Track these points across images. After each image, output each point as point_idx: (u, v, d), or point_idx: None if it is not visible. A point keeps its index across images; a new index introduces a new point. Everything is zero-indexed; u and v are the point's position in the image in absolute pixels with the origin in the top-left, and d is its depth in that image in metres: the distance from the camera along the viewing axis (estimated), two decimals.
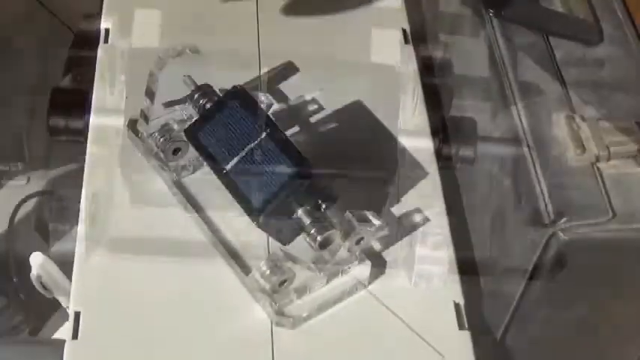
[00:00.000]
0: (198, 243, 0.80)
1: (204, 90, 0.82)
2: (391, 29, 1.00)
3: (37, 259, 0.89)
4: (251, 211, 0.75)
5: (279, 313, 0.75)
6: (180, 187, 0.84)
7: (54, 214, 1.09)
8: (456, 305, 0.78)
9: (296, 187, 0.74)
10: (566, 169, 0.79)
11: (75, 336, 0.74)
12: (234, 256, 0.79)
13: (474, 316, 0.79)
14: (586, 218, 0.75)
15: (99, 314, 0.75)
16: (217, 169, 0.78)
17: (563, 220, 0.75)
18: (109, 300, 0.76)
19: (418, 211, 0.84)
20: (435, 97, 1.01)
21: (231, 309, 0.77)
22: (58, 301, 0.92)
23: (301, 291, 0.77)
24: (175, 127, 0.83)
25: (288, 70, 0.95)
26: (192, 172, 0.85)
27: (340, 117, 0.91)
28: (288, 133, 0.81)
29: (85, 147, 0.88)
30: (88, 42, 1.00)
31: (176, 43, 0.82)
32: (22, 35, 1.18)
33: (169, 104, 0.84)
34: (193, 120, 0.81)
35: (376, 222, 0.76)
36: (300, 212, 0.74)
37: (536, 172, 0.79)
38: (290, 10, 1.01)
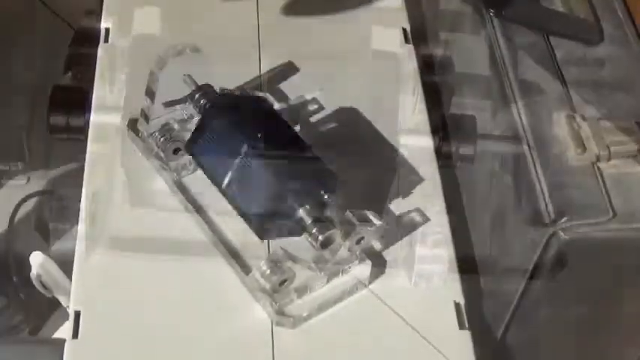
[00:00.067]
0: (199, 242, 0.80)
1: (205, 89, 0.82)
2: (391, 28, 1.00)
3: (37, 259, 0.89)
4: (253, 227, 0.76)
5: (280, 312, 0.75)
6: (181, 187, 0.84)
7: (54, 214, 1.09)
8: (457, 305, 0.78)
9: (285, 193, 0.74)
10: (566, 168, 0.79)
11: (75, 335, 0.74)
12: (234, 255, 0.79)
13: (474, 316, 0.79)
14: (586, 218, 0.75)
15: (99, 314, 0.75)
16: (217, 186, 0.79)
17: (564, 219, 0.75)
18: (109, 299, 0.76)
19: (418, 210, 0.84)
20: (435, 96, 1.01)
21: (231, 308, 0.77)
22: (57, 300, 0.92)
23: (301, 290, 0.77)
24: (176, 126, 0.83)
25: (288, 69, 0.95)
26: (193, 172, 0.85)
27: (340, 116, 0.91)
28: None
29: (85, 146, 0.88)
30: (88, 39, 1.00)
31: (176, 42, 0.82)
32: (22, 33, 1.18)
33: (170, 104, 0.84)
34: (191, 134, 0.82)
35: (376, 221, 0.76)
36: (301, 212, 0.74)
37: (536, 171, 0.79)
38: (290, 9, 1.01)
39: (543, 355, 0.89)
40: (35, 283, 0.90)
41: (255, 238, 0.77)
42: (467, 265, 0.85)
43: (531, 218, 0.78)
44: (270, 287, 0.74)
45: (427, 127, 0.91)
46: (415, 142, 0.90)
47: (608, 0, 0.94)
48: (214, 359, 0.74)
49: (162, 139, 0.83)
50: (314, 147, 0.80)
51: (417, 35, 1.02)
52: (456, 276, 0.80)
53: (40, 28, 1.21)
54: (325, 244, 0.74)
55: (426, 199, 0.85)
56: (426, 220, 0.84)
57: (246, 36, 0.97)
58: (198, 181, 0.84)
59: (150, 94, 0.82)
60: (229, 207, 0.79)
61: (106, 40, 0.96)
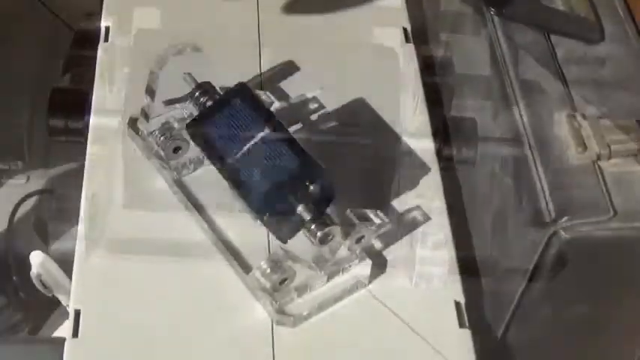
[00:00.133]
0: (199, 242, 0.80)
1: (205, 88, 0.82)
2: (392, 28, 1.00)
3: (36, 258, 0.89)
4: (252, 202, 0.75)
5: (280, 311, 0.75)
6: (181, 186, 0.84)
7: (53, 213, 1.09)
8: (457, 304, 0.78)
9: (297, 184, 0.74)
10: (567, 167, 0.79)
11: (75, 334, 0.74)
12: (234, 254, 0.79)
13: (474, 315, 0.79)
14: (587, 217, 0.75)
15: (99, 313, 0.75)
16: (219, 162, 0.78)
17: (565, 218, 0.75)
18: (109, 298, 0.76)
19: (419, 209, 0.84)
20: (435, 96, 1.01)
21: (231, 307, 0.76)
22: (57, 299, 0.92)
23: (302, 289, 0.77)
24: (176, 125, 0.83)
25: (288, 68, 0.95)
26: (193, 171, 0.85)
27: (341, 116, 0.91)
28: (290, 131, 0.81)
29: (85, 146, 0.88)
30: (87, 41, 1.00)
31: (177, 41, 0.82)
32: (22, 33, 1.18)
33: (170, 102, 0.84)
34: (198, 114, 0.81)
35: (377, 220, 0.76)
36: (300, 208, 0.74)
37: (537, 170, 0.79)
38: (290, 8, 1.01)
39: (544, 354, 0.89)
40: (35, 282, 0.90)
41: (256, 237, 0.77)
42: (467, 265, 0.85)
43: (532, 217, 0.78)
44: (271, 286, 0.74)
45: (428, 126, 0.91)
46: (416, 142, 0.90)
47: None
48: (214, 358, 0.74)
49: (162, 137, 0.83)
50: (314, 146, 0.80)
51: (418, 35, 1.02)
52: (457, 275, 0.80)
53: (39, 29, 1.21)
54: (323, 240, 0.74)
55: (427, 197, 0.85)
56: (427, 219, 0.84)
57: (246, 35, 0.97)
58: (198, 180, 0.84)
59: (150, 92, 0.82)
60: (230, 206, 0.79)
61: (106, 39, 0.96)
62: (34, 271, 0.90)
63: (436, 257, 0.81)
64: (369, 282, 0.79)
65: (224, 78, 0.85)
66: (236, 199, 0.77)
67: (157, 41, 0.86)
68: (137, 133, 0.86)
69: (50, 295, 0.91)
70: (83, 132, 0.90)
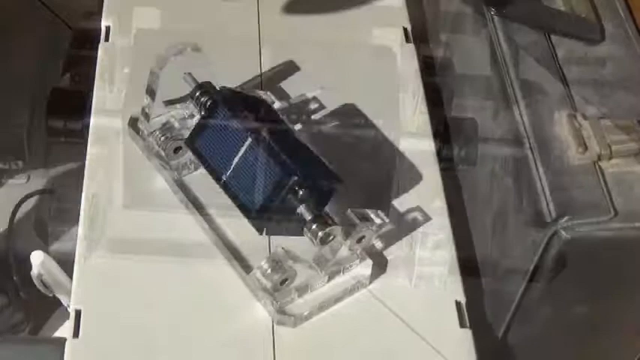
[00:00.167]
0: (199, 241, 0.80)
1: (205, 88, 0.82)
2: (392, 28, 1.00)
3: (37, 258, 0.89)
4: (252, 220, 0.76)
5: (281, 311, 0.75)
6: (182, 186, 0.84)
7: (54, 213, 1.09)
8: (458, 304, 0.78)
9: (287, 188, 0.74)
10: (567, 167, 0.79)
11: (76, 334, 0.74)
12: (235, 254, 0.79)
13: (475, 315, 0.79)
14: (588, 217, 0.75)
15: (100, 312, 0.75)
16: (217, 179, 0.79)
17: (565, 218, 0.75)
18: (110, 298, 0.76)
19: (419, 210, 0.84)
20: (436, 96, 1.01)
21: (232, 307, 0.77)
22: (58, 299, 0.92)
23: (302, 289, 0.77)
24: (176, 125, 0.83)
25: (289, 68, 0.95)
26: (194, 171, 0.85)
27: (341, 116, 0.91)
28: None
29: (84, 146, 0.88)
30: (87, 41, 1.00)
31: (177, 41, 0.82)
32: (22, 34, 1.18)
33: (170, 102, 0.84)
34: (192, 128, 0.82)
35: (377, 220, 0.76)
36: (301, 208, 0.74)
37: (537, 170, 0.79)
38: (291, 8, 1.01)
39: (544, 354, 0.89)
40: (36, 282, 0.90)
41: (257, 237, 0.77)
42: (468, 265, 0.85)
43: (532, 217, 0.78)
44: (271, 286, 0.74)
45: (428, 126, 0.92)
46: (416, 142, 0.90)
47: None
48: (215, 358, 0.74)
49: (162, 137, 0.83)
50: (314, 146, 0.80)
51: (418, 35, 1.02)
52: (457, 275, 0.80)
53: (39, 29, 1.21)
54: (324, 240, 0.74)
55: (427, 198, 0.85)
56: (427, 219, 0.84)
57: (246, 35, 0.97)
58: (198, 180, 0.84)
59: (150, 92, 0.82)
60: (230, 206, 0.79)
61: (107, 39, 0.96)
62: (35, 271, 0.89)
63: (437, 257, 0.81)
64: (370, 282, 0.79)
65: (224, 78, 0.85)
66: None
67: (158, 41, 0.86)
68: (137, 133, 0.86)
69: (51, 295, 0.91)
70: (82, 133, 0.90)
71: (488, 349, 0.84)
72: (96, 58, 0.95)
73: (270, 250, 0.78)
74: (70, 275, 0.79)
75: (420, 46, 1.00)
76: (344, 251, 0.77)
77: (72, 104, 0.93)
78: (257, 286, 0.75)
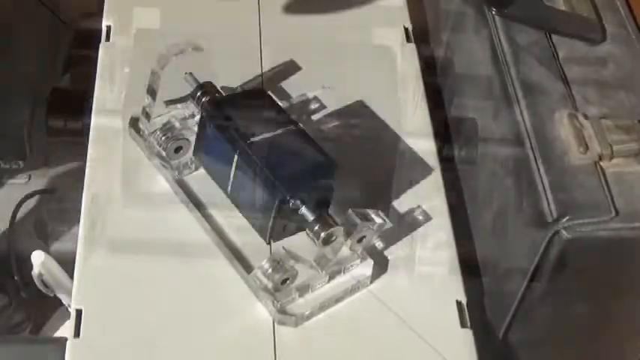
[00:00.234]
0: (200, 241, 0.80)
1: (206, 88, 0.82)
2: (393, 28, 1.00)
3: (38, 258, 0.89)
4: (260, 234, 0.77)
5: (281, 311, 0.75)
6: (182, 186, 0.84)
7: (55, 213, 1.09)
8: (459, 304, 0.78)
9: (284, 205, 0.74)
10: (568, 167, 0.79)
11: (77, 334, 0.74)
12: (236, 254, 0.79)
13: (476, 315, 0.79)
14: (589, 217, 0.75)
15: (101, 312, 0.75)
16: (224, 191, 0.80)
17: (566, 218, 0.75)
18: (110, 298, 0.76)
19: (420, 209, 0.84)
20: (436, 96, 1.01)
21: (233, 307, 0.77)
22: (59, 299, 0.92)
23: (303, 289, 0.77)
24: (177, 125, 0.83)
25: (290, 68, 0.95)
26: (194, 170, 0.85)
27: (342, 116, 0.91)
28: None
29: (85, 146, 0.88)
30: (87, 41, 1.00)
31: (178, 40, 0.82)
32: (22, 34, 1.18)
33: (171, 102, 0.84)
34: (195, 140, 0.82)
35: (378, 220, 0.76)
36: (303, 209, 0.74)
37: (538, 170, 0.79)
38: (291, 8, 1.01)
39: (545, 354, 0.89)
40: (36, 281, 0.90)
41: (257, 237, 0.77)
42: (469, 265, 0.85)
43: (533, 217, 0.78)
44: (272, 286, 0.74)
45: (429, 125, 0.92)
46: (417, 142, 0.90)
47: None
48: (216, 358, 0.74)
49: (163, 137, 0.83)
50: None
51: (419, 35, 1.02)
52: (458, 275, 0.80)
53: (39, 29, 1.21)
54: (327, 241, 0.74)
55: (428, 197, 0.85)
56: (428, 218, 0.84)
57: (247, 34, 0.97)
58: (199, 179, 0.84)
59: (151, 92, 0.82)
60: (231, 205, 0.79)
61: (107, 39, 0.96)
62: (36, 270, 0.89)
63: (437, 257, 0.82)
64: (371, 282, 0.79)
65: (225, 78, 0.85)
66: None
67: (158, 41, 0.86)
68: (138, 132, 0.86)
69: (51, 294, 0.91)
70: (82, 133, 0.90)
71: (489, 349, 0.84)
72: (96, 57, 0.95)
73: (271, 250, 0.78)
74: (71, 275, 0.79)
75: (420, 46, 1.00)
76: (345, 251, 0.77)
77: (72, 104, 0.93)
78: (258, 286, 0.75)
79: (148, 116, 0.84)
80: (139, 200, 0.83)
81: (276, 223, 0.75)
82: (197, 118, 0.83)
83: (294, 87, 0.93)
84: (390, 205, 0.84)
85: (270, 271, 0.74)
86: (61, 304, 0.94)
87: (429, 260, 0.81)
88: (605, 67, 0.87)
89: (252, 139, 0.77)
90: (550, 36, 0.90)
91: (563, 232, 0.75)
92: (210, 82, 0.83)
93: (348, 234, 0.75)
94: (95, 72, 0.93)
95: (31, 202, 1.10)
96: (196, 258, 0.79)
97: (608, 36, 0.90)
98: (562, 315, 0.83)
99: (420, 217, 0.84)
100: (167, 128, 0.83)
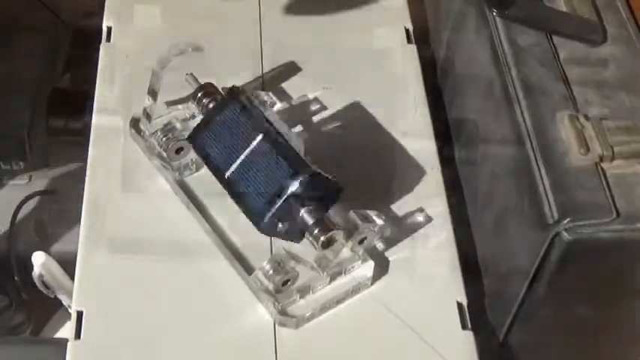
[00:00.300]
0: (201, 242, 0.80)
1: (207, 88, 0.82)
2: (394, 28, 1.00)
3: (38, 259, 0.89)
4: (254, 220, 0.75)
5: (282, 312, 0.75)
6: (183, 186, 0.84)
7: (55, 214, 1.09)
8: (459, 305, 0.78)
9: (295, 191, 0.74)
10: (569, 168, 0.79)
11: (77, 336, 0.74)
12: (237, 255, 0.79)
13: (476, 317, 0.79)
14: (590, 218, 0.75)
15: (102, 313, 0.75)
16: (220, 178, 0.78)
17: (567, 220, 0.75)
18: (111, 299, 0.76)
19: (421, 211, 0.84)
20: (437, 97, 1.01)
21: (233, 309, 0.77)
22: (59, 300, 0.92)
23: (304, 291, 0.77)
24: (178, 125, 0.83)
25: (290, 69, 0.95)
26: (195, 172, 0.85)
27: (343, 116, 0.91)
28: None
29: (85, 146, 0.87)
30: (87, 41, 1.00)
31: (179, 41, 0.82)
32: (22, 34, 1.18)
33: (172, 103, 0.84)
34: (197, 124, 0.81)
35: (379, 221, 0.76)
36: (302, 212, 0.74)
37: (539, 171, 0.79)
38: (292, 9, 1.01)
39: (546, 356, 0.89)
40: (37, 282, 0.90)
41: (259, 238, 0.77)
42: (470, 266, 0.85)
43: (534, 219, 0.78)
44: (273, 287, 0.74)
45: (430, 126, 0.92)
46: (418, 143, 0.90)
47: (611, 0, 0.94)
48: (217, 359, 0.74)
49: (164, 138, 0.83)
50: (316, 147, 0.80)
51: (420, 35, 1.02)
52: (459, 276, 0.80)
53: (39, 29, 1.21)
54: (327, 245, 0.74)
55: (429, 198, 0.85)
56: (429, 220, 0.84)
57: (248, 35, 0.97)
58: (200, 180, 0.84)
59: (152, 93, 0.82)
60: (232, 207, 0.79)
61: (108, 39, 0.96)
62: (36, 271, 0.90)
63: (438, 258, 0.82)
64: (372, 283, 0.79)
65: (226, 78, 0.85)
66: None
67: (159, 41, 0.86)
68: (139, 133, 0.86)
69: (52, 295, 0.91)
70: (83, 132, 0.90)
71: (490, 351, 0.84)
72: (96, 58, 0.95)
73: (272, 251, 0.78)
74: (72, 276, 0.79)
75: (421, 47, 1.00)
76: (346, 252, 0.77)
77: (73, 104, 0.93)
78: (259, 288, 0.75)
79: (148, 117, 0.84)
80: (139, 201, 0.83)
81: (275, 214, 0.74)
82: (198, 118, 0.82)
83: (295, 88, 0.93)
84: (390, 207, 0.84)
85: (271, 272, 0.74)
86: (61, 305, 0.94)
87: (430, 261, 0.81)
88: (606, 68, 0.87)
89: (273, 126, 0.76)
90: (551, 37, 0.89)
91: (564, 234, 0.75)
92: (211, 83, 0.83)
93: (349, 235, 0.75)
94: (95, 72, 0.93)
95: (32, 203, 1.10)
96: (197, 259, 0.79)
97: (608, 37, 0.90)
98: (563, 316, 0.83)
99: (421, 219, 0.84)
100: (168, 129, 0.83)
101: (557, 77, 0.86)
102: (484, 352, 0.76)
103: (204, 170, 0.84)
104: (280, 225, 0.75)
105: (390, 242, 0.81)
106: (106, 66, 0.94)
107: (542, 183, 0.78)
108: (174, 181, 0.84)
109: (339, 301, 0.77)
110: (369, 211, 0.76)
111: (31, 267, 0.91)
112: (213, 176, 0.78)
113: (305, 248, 0.76)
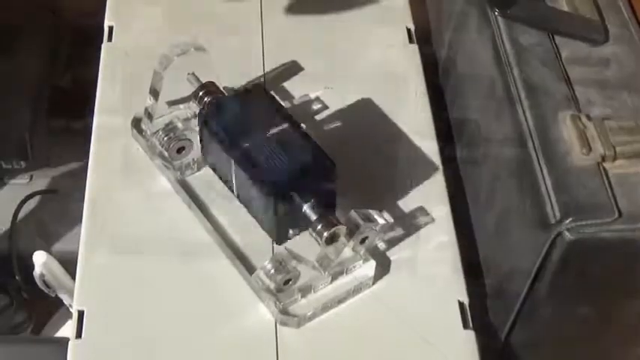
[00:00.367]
0: (203, 242, 0.80)
1: (209, 88, 0.82)
2: (396, 28, 1.00)
3: (39, 258, 0.89)
4: (268, 232, 0.77)
5: (284, 312, 0.75)
6: (184, 186, 0.84)
7: (56, 213, 1.09)
8: (461, 304, 0.78)
9: (280, 204, 0.74)
10: (571, 168, 0.78)
11: (79, 335, 0.74)
12: (238, 255, 0.79)
13: (478, 316, 0.79)
14: (592, 218, 0.75)
15: (103, 313, 0.75)
16: (224, 181, 0.80)
17: (569, 220, 0.75)
18: (113, 298, 0.76)
19: (423, 210, 0.84)
20: (439, 97, 1.01)
21: (235, 308, 0.76)
22: (60, 299, 0.92)
23: (306, 290, 0.77)
24: (179, 125, 0.83)
25: (292, 68, 0.95)
26: (197, 171, 0.85)
27: (344, 116, 0.91)
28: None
29: (87, 145, 0.88)
30: (87, 40, 1.00)
31: (180, 41, 0.82)
32: (22, 33, 1.18)
33: (174, 102, 0.84)
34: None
35: (381, 221, 0.76)
36: (306, 208, 0.74)
37: (541, 171, 0.79)
38: (294, 8, 1.01)
39: (548, 355, 0.89)
40: (38, 282, 0.90)
41: (260, 238, 0.77)
42: (471, 265, 0.85)
43: (536, 218, 0.78)
44: (275, 287, 0.74)
45: (431, 126, 0.91)
46: (419, 143, 0.90)
47: None
48: (218, 358, 0.74)
49: (166, 138, 0.83)
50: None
51: (422, 36, 1.02)
52: (461, 276, 0.80)
53: (39, 29, 1.21)
54: (330, 241, 0.74)
55: (431, 199, 0.85)
56: (431, 219, 0.84)
57: (249, 35, 0.97)
58: (202, 180, 0.84)
59: (154, 92, 0.82)
60: (233, 206, 0.79)
61: (110, 39, 0.96)
62: (37, 270, 0.90)
63: (440, 258, 0.81)
64: (373, 283, 0.79)
65: (227, 78, 0.85)
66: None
67: (160, 41, 0.86)
68: (141, 133, 0.86)
69: (53, 295, 0.91)
70: (84, 131, 0.90)
71: (492, 350, 0.84)
72: (97, 57, 0.95)
73: (273, 251, 0.78)
74: (73, 275, 0.79)
75: (422, 46, 1.00)
76: (347, 252, 0.77)
77: (74, 104, 0.93)
78: (260, 287, 0.75)
79: (150, 117, 0.84)
80: (140, 200, 0.83)
81: (282, 223, 0.75)
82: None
83: (297, 87, 0.93)
84: (392, 206, 0.84)
85: (272, 271, 0.74)
86: (62, 304, 0.94)
87: (432, 261, 0.81)
88: (608, 67, 0.87)
89: (248, 140, 0.76)
90: (553, 37, 0.89)
91: (566, 234, 0.75)
92: (213, 82, 0.83)
93: (350, 235, 0.75)
94: (97, 72, 0.93)
95: (33, 203, 1.10)
96: (198, 258, 0.79)
97: (610, 37, 0.90)
98: (565, 316, 0.83)
99: (423, 218, 0.84)
100: (169, 129, 0.83)
101: (559, 77, 0.86)
102: (486, 352, 0.76)
103: (206, 170, 0.84)
104: (291, 231, 0.76)
105: (392, 242, 0.81)
106: (108, 66, 0.94)
107: (544, 183, 0.78)
108: (176, 181, 0.84)
109: (340, 301, 0.77)
110: (370, 211, 0.76)
111: (32, 266, 0.91)
112: (216, 176, 0.79)
113: (307, 247, 0.76)
